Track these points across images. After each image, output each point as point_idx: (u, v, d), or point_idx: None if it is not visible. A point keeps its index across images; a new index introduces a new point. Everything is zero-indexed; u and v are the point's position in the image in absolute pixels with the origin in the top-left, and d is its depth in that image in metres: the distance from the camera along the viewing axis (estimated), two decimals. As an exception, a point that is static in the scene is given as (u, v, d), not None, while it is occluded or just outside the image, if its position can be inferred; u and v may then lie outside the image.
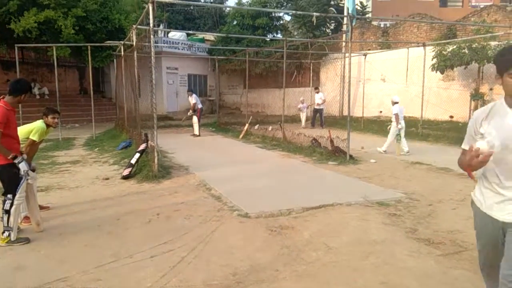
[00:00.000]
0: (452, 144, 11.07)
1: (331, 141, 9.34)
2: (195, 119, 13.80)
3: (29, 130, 4.85)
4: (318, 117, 16.29)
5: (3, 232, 3.98)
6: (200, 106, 13.94)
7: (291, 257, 3.67)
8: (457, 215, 4.91)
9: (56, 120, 5.05)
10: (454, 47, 14.11)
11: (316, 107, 16.34)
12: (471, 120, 2.29)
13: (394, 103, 9.53)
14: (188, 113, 14.31)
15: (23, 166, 3.99)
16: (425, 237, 4.14)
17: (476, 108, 14.74)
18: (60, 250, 3.90)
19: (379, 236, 4.20)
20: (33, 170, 4.63)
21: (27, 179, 4.10)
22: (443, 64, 14.31)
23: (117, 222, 4.71)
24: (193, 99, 13.76)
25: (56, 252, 3.85)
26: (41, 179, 6.88)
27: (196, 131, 13.72)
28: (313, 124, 16.24)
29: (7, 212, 3.98)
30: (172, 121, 19.09)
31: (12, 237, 4.00)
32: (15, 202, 3.99)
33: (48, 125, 5.01)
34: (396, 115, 9.32)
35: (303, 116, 16.66)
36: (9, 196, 3.99)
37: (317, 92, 16.52)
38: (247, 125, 14.05)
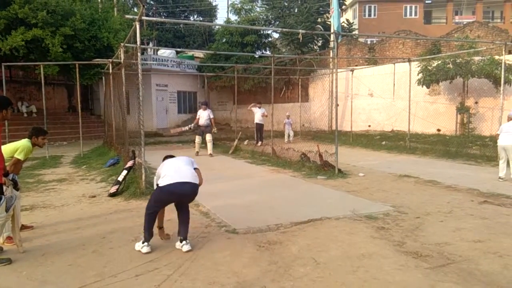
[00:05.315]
0: (439, 157, 11.19)
1: (320, 156, 9.37)
2: (209, 137, 12.45)
3: (14, 148, 4.79)
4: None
5: (-16, 253, 3.88)
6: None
7: (278, 273, 3.62)
8: (445, 227, 4.92)
9: (45, 140, 5.09)
10: (439, 62, 14.42)
11: (258, 122, 15.46)
12: None
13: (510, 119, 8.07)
14: (189, 127, 13.44)
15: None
16: (413, 250, 4.14)
17: (462, 121, 14.98)
18: (43, 270, 3.80)
19: (367, 250, 4.18)
20: (17, 189, 4.54)
21: (9, 201, 4.03)
22: (429, 79, 14.60)
23: (102, 240, 4.62)
24: (211, 113, 12.60)
25: (39, 272, 3.75)
26: (26, 198, 6.77)
27: (210, 150, 12.43)
28: (261, 139, 15.31)
29: (-13, 233, 3.88)
30: (162, 137, 19.04)
31: (-7, 258, 3.90)
32: (-5, 223, 3.89)
33: (34, 144, 4.99)
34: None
35: (286, 131, 16.61)
36: (-12, 216, 3.89)
37: (260, 107, 15.68)
38: (236, 140, 14.06)
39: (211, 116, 12.71)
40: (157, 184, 4.20)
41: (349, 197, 6.61)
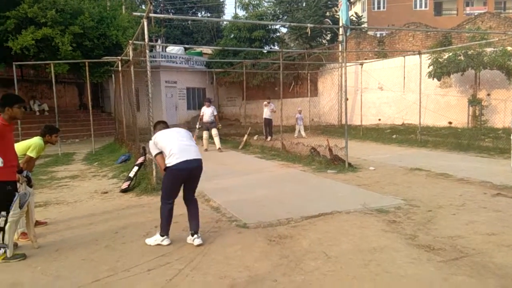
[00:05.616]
0: (451, 150, 11.06)
1: (330, 150, 9.33)
2: (215, 131, 12.59)
3: (26, 146, 4.87)
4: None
5: (-1, 249, 3.94)
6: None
7: (289, 267, 3.63)
8: (457, 220, 4.87)
9: (57, 138, 5.22)
10: (450, 54, 14.21)
11: (267, 117, 15.44)
12: None
13: None
14: (198, 126, 13.18)
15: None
16: (425, 244, 4.10)
17: (474, 113, 14.78)
18: (57, 265, 3.86)
19: (378, 243, 4.15)
20: (31, 186, 4.61)
21: (23, 197, 4.10)
22: (440, 71, 14.40)
23: (115, 235, 4.68)
24: (214, 110, 12.73)
25: (53, 267, 3.81)
26: (40, 194, 6.88)
27: (218, 145, 12.55)
28: (270, 135, 15.39)
29: (1, 229, 3.93)
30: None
31: (8, 254, 3.95)
32: (9, 219, 3.94)
33: (47, 142, 5.07)
34: None
35: (297, 127, 16.51)
36: (3, 213, 3.93)
37: (269, 103, 15.51)
38: (246, 135, 14.07)
39: (215, 113, 12.76)
40: (167, 165, 4.20)
41: (359, 191, 6.57)
